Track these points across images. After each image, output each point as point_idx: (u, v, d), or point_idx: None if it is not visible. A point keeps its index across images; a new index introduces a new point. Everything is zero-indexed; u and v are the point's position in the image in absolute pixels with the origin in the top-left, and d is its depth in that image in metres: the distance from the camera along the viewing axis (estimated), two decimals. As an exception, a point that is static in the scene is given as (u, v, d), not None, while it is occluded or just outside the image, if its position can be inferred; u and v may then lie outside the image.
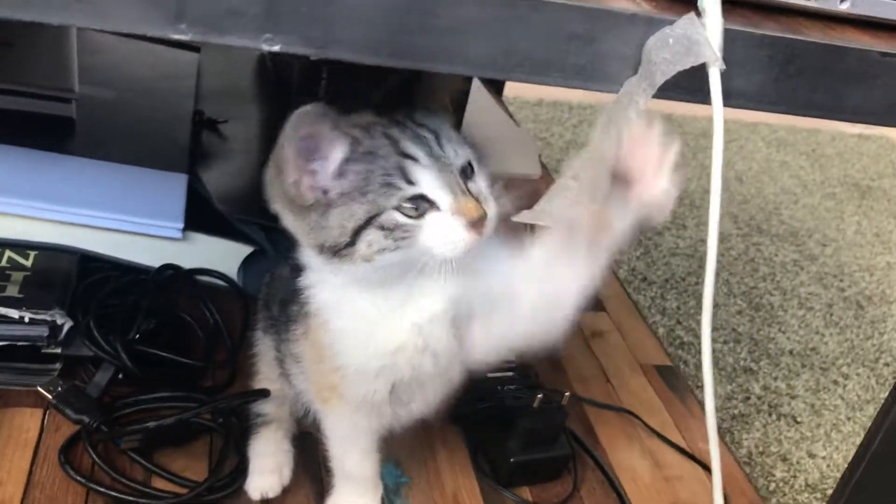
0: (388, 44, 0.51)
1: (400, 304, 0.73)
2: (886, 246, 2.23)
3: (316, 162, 0.66)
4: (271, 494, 0.89)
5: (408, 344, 0.74)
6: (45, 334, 0.93)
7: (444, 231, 0.67)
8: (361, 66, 0.54)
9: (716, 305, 1.81)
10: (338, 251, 0.68)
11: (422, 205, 0.66)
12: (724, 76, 0.56)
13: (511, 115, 1.85)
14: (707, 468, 1.07)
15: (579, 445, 1.04)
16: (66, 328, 0.94)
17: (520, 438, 0.96)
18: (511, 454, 0.95)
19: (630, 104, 0.57)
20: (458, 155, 0.68)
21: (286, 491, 0.90)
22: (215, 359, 1.02)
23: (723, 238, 2.08)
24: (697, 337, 1.70)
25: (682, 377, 1.24)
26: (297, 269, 0.77)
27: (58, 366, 0.95)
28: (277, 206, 0.70)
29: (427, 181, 0.66)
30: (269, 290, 0.94)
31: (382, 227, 0.66)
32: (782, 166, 2.58)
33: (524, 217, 0.66)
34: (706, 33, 0.54)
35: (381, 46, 0.52)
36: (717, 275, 1.91)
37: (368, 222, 0.66)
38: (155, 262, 1.05)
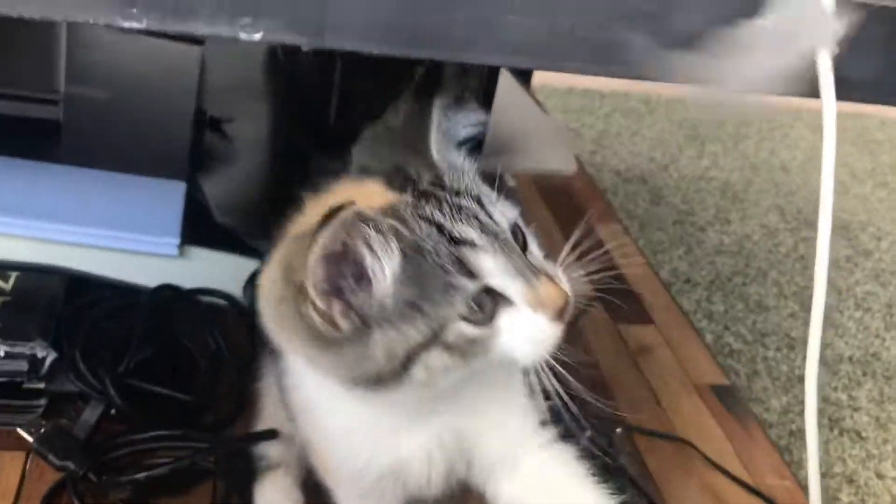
0: (403, 28, 0.40)
1: (411, 417, 0.60)
2: (946, 238, 2.08)
3: (354, 283, 0.50)
4: (279, 553, 0.78)
5: (413, 459, 0.61)
6: (25, 369, 0.83)
7: (528, 332, 0.52)
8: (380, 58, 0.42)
9: (766, 308, 1.68)
10: (381, 381, 0.52)
11: (486, 302, 0.51)
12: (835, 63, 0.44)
13: (542, 107, 1.73)
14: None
15: (630, 483, 0.92)
16: (48, 361, 0.84)
17: None
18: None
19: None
20: (506, 218, 0.54)
21: (297, 546, 0.79)
22: (217, 391, 0.91)
23: (769, 233, 1.95)
24: (747, 343, 1.57)
25: (740, 398, 1.12)
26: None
27: (42, 402, 0.86)
28: (290, 340, 0.54)
29: (492, 269, 0.51)
30: None
31: (447, 346, 0.51)
32: (829, 154, 2.43)
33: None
34: (820, 6, 0.41)
35: (392, 32, 0.40)
36: (766, 274, 1.78)
37: (429, 343, 0.51)
38: (151, 281, 0.95)
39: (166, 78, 1.21)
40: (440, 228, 0.51)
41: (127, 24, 0.38)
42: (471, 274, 0.50)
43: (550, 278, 0.53)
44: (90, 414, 0.84)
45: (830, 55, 0.42)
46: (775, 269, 1.82)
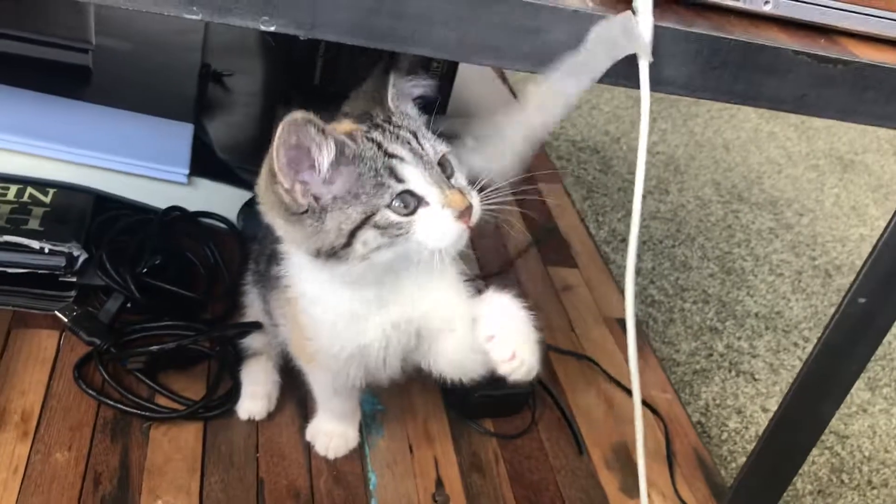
0: (366, 27, 0.61)
1: (372, 306, 0.80)
2: (862, 218, 2.32)
3: (307, 168, 0.71)
4: (258, 417, 1.00)
5: (374, 342, 0.82)
6: (63, 264, 1.04)
7: (436, 224, 0.73)
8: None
9: (689, 268, 1.91)
10: (334, 253, 0.73)
11: (410, 201, 0.72)
12: (656, 66, 0.66)
13: (504, 78, 1.94)
14: (657, 413, 1.18)
15: (540, 386, 1.15)
16: (81, 259, 1.05)
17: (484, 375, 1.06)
18: (476, 389, 1.06)
19: (571, 83, 0.65)
20: (436, 151, 0.75)
21: (272, 413, 1.01)
22: (214, 293, 1.13)
23: (703, 204, 2.18)
24: (668, 296, 1.80)
25: (642, 331, 1.35)
26: (280, 257, 0.84)
27: (73, 293, 1.06)
28: (271, 215, 0.75)
29: (414, 177, 0.72)
30: (260, 244, 1.01)
31: (377, 226, 0.72)
32: (770, 137, 2.66)
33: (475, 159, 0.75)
34: (639, 29, 0.63)
35: (359, 29, 0.61)
36: (693, 239, 2.02)
37: (364, 222, 0.71)
38: (162, 203, 1.15)
39: (177, 34, 1.41)
40: (379, 146, 0.73)
41: (188, 16, 0.59)
42: (398, 179, 0.72)
43: (460, 191, 0.74)
44: (112, 304, 1.05)
45: (648, 62, 0.64)
46: (703, 235, 2.05)
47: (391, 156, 0.73)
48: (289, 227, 0.74)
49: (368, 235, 0.72)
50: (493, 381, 1.06)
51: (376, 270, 0.76)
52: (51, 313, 1.03)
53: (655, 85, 0.66)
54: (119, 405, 0.97)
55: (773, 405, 1.60)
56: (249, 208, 1.19)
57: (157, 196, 1.15)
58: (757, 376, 1.66)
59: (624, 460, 1.08)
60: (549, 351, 1.22)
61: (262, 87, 1.43)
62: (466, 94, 1.60)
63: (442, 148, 0.76)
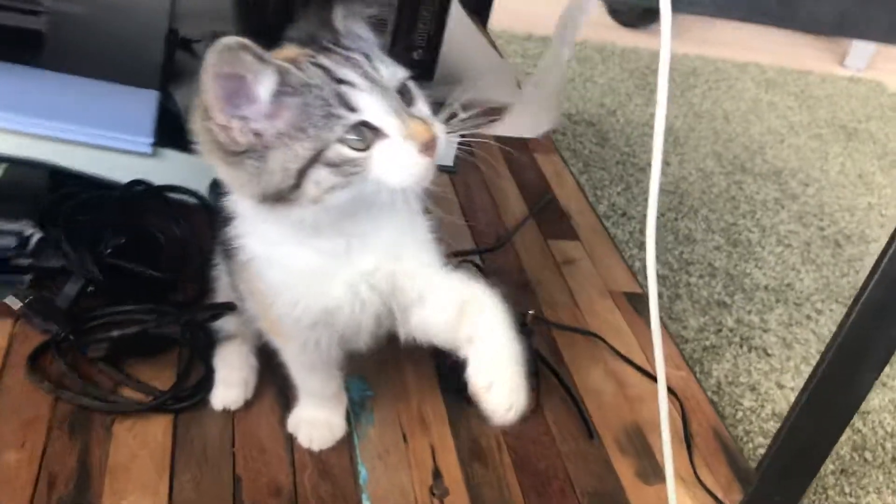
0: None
1: (336, 260, 0.71)
2: (869, 187, 2.23)
3: (244, 102, 0.61)
4: (234, 407, 0.90)
5: (342, 303, 0.73)
6: (13, 245, 0.94)
7: (396, 159, 0.63)
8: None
9: (694, 241, 1.82)
10: (282, 196, 0.64)
11: (366, 134, 0.62)
12: (676, -20, 0.56)
13: (494, 45, 1.85)
14: (670, 390, 1.09)
15: (544, 364, 1.05)
16: (35, 239, 0.95)
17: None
18: (474, 370, 0.97)
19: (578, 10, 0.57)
20: (394, 75, 0.66)
21: (249, 403, 0.92)
22: (184, 274, 1.03)
23: (705, 176, 2.09)
24: (673, 270, 1.71)
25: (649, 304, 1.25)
26: (228, 217, 0.75)
27: (27, 277, 0.96)
28: (209, 157, 0.65)
29: (369, 106, 0.63)
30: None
31: (329, 163, 0.62)
32: (770, 107, 2.57)
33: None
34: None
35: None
36: (697, 211, 1.93)
37: (314, 160, 0.62)
38: (126, 177, 1.06)
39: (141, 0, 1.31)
40: (327, 71, 0.63)
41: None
42: (350, 108, 0.62)
43: (422, 120, 0.64)
44: (71, 287, 0.95)
45: (669, -26, 0.55)
46: (706, 207, 1.96)
47: (341, 81, 0.63)
48: (229, 169, 0.65)
49: (320, 174, 0.62)
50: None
51: (332, 215, 0.66)
52: (2, 300, 0.94)
53: (679, 4, 0.57)
54: (80, 396, 0.87)
55: (789, 381, 1.51)
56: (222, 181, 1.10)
57: (119, 169, 1.05)
58: (770, 351, 1.57)
59: (638, 443, 0.99)
60: (552, 328, 1.13)
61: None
62: (453, 60, 1.50)
63: (401, 73, 0.66)
